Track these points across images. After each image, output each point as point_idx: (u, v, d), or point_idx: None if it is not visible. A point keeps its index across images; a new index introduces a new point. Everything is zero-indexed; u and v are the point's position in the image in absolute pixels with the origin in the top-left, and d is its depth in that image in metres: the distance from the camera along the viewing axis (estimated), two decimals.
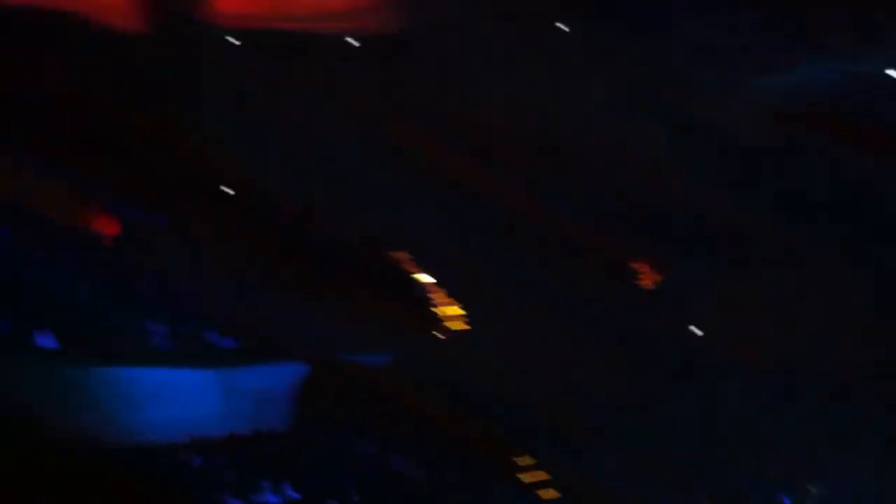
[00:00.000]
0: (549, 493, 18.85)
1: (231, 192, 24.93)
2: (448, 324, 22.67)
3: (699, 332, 22.14)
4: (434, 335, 22.41)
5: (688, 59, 23.83)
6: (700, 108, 24.06)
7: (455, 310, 22.98)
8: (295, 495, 16.61)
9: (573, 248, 23.18)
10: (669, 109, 24.49)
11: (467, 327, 22.65)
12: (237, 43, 27.83)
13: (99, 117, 24.94)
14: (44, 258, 20.16)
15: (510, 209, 24.06)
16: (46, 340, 16.44)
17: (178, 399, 16.06)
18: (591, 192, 23.94)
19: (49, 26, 25.80)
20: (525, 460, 19.31)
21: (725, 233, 22.70)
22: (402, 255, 24.37)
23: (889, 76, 22.42)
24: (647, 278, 24.04)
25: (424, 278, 23.88)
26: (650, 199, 23.64)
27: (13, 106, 24.71)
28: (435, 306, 23.05)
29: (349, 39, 28.39)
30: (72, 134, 24.43)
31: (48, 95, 24.90)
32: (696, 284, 22.38)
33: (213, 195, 24.61)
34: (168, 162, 24.13)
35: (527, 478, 19.08)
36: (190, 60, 26.59)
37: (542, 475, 19.26)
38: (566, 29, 27.50)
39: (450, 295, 23.32)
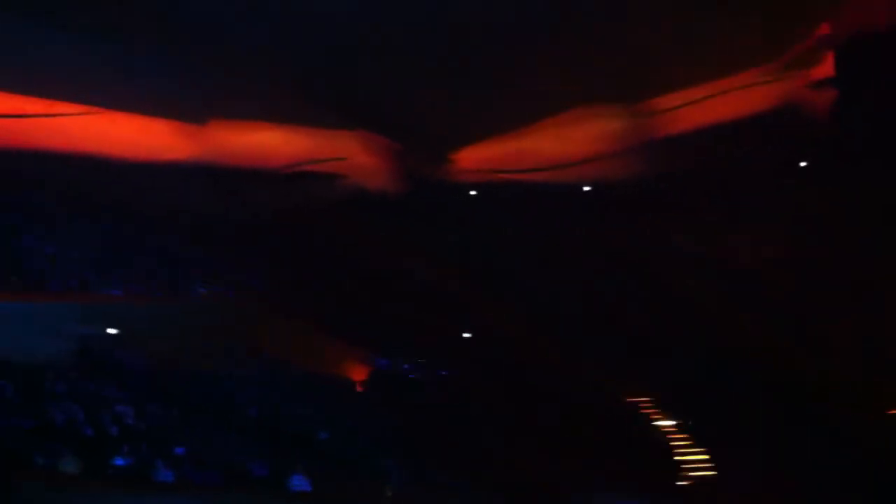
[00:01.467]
0: None
1: (470, 335, 25.47)
2: (693, 470, 22.16)
3: None
4: (679, 482, 21.89)
5: None
6: None
7: (700, 455, 22.47)
8: None
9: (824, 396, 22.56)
10: None
11: (714, 473, 22.06)
12: (478, 194, 28.96)
13: (353, 268, 26.28)
14: (299, 403, 20.96)
15: (758, 354, 23.63)
16: (300, 484, 16.82)
17: None
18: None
19: (313, 188, 27.84)
20: None
21: None
22: (644, 401, 24.13)
23: None
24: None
25: (667, 423, 23.51)
26: None
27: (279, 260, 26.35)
28: (679, 452, 22.60)
29: (585, 187, 29.02)
30: (329, 286, 25.75)
31: (314, 252, 26.52)
32: None
33: (454, 340, 25.16)
34: (413, 310, 24.85)
35: None
36: (436, 214, 27.86)
37: None
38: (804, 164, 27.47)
39: (694, 440, 22.85)
